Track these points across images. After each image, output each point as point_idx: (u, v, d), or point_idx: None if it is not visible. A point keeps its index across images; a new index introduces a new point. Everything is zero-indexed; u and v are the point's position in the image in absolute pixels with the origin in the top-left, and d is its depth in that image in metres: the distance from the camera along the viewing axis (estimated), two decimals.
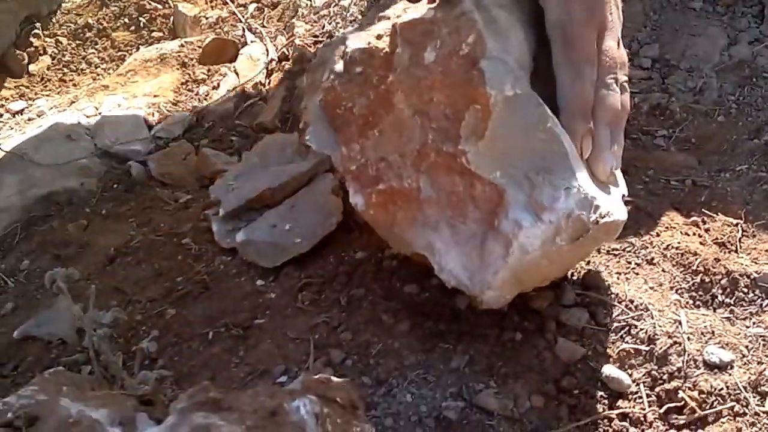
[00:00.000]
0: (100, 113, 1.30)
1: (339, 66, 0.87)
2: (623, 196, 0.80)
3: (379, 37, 0.85)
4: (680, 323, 0.84)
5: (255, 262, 0.99)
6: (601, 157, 0.79)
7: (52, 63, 1.52)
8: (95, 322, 0.91)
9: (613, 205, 0.76)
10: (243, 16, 1.42)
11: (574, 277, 0.90)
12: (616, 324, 0.86)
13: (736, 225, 0.94)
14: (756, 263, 0.90)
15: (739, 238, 0.93)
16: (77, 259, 1.07)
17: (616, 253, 0.92)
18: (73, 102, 1.37)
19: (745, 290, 0.88)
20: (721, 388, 0.79)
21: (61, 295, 0.94)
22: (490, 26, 0.78)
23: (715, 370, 0.81)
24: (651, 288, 0.88)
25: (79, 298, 1.00)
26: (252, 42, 1.35)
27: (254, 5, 1.44)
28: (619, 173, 0.83)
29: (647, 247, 0.92)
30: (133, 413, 0.71)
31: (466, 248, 0.80)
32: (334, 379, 0.78)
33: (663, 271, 0.90)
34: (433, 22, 0.80)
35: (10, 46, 1.52)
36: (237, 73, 1.30)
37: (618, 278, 0.89)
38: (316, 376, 0.75)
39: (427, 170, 0.81)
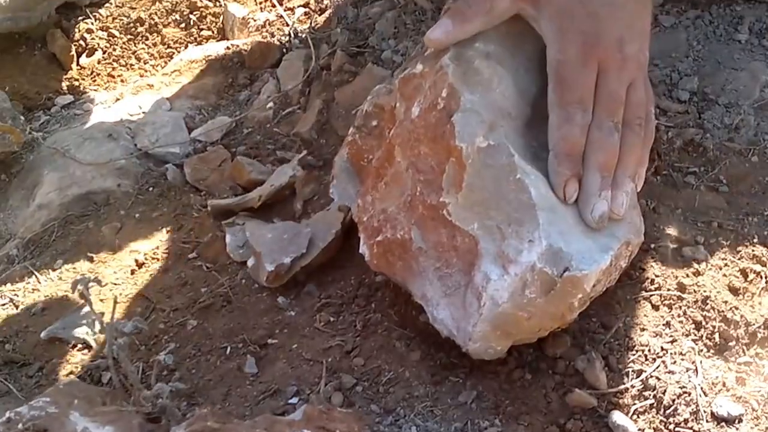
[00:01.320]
0: (143, 112, 1.33)
1: (359, 120, 0.91)
2: (627, 242, 0.79)
3: (390, 91, 0.88)
4: (693, 372, 0.84)
5: (259, 282, 1.01)
6: (588, 203, 0.79)
7: (103, 57, 1.55)
8: (117, 331, 0.94)
9: (587, 257, 0.75)
10: (290, 20, 1.43)
11: (592, 320, 0.89)
12: (628, 369, 0.85)
13: (759, 273, 0.92)
14: None
15: (763, 287, 0.91)
16: (108, 262, 1.11)
17: (634, 294, 0.91)
18: (119, 99, 1.40)
19: (763, 342, 0.87)
20: None
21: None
22: (469, 78, 0.80)
23: (723, 424, 0.81)
24: (667, 333, 0.88)
25: (106, 303, 1.04)
26: (296, 48, 1.36)
27: (302, 9, 1.45)
28: (634, 214, 0.82)
29: (667, 290, 0.91)
30: None
31: (453, 299, 0.82)
32: (338, 409, 0.80)
33: (680, 315, 0.89)
34: (421, 75, 0.85)
35: (40, 24, 1.56)
36: (278, 79, 1.31)
37: (634, 320, 0.89)
38: (320, 406, 0.77)
39: (417, 221, 0.84)
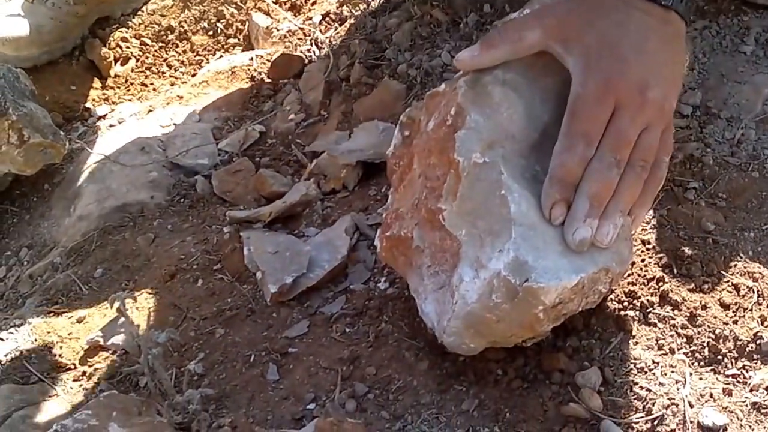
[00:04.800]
0: (174, 124, 1.42)
1: (397, 130, 1.01)
2: (606, 269, 0.86)
3: (422, 106, 0.98)
4: (682, 384, 0.91)
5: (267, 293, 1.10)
6: (571, 226, 0.84)
7: (136, 65, 1.65)
8: (151, 342, 1.04)
9: (550, 273, 0.82)
10: (312, 31, 1.51)
11: (583, 332, 0.96)
12: (621, 380, 0.93)
13: (752, 288, 0.98)
14: (766, 329, 0.95)
15: (754, 302, 0.97)
16: (144, 271, 1.20)
17: (628, 310, 0.98)
18: (151, 111, 1.49)
19: (751, 355, 0.93)
20: None
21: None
22: (479, 101, 0.89)
23: None
24: (659, 347, 0.95)
25: (142, 311, 1.14)
26: (317, 58, 1.43)
27: (323, 18, 1.52)
28: (623, 246, 0.89)
29: (660, 305, 0.98)
30: None
31: (438, 295, 0.91)
32: (348, 420, 0.88)
33: (671, 329, 0.96)
34: (443, 94, 0.94)
35: (76, 47, 1.68)
36: (300, 90, 1.39)
37: (629, 335, 0.96)
38: (330, 419, 0.86)
39: (419, 223, 0.93)
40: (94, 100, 1.60)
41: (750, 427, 0.88)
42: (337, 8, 1.53)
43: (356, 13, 1.48)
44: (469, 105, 0.88)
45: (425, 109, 0.96)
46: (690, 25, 1.21)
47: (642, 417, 0.89)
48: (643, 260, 1.01)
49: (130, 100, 1.59)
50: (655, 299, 0.98)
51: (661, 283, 0.99)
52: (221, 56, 1.63)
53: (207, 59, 1.64)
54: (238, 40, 1.66)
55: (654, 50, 0.87)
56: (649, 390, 0.91)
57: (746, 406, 0.89)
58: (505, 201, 0.84)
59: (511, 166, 0.86)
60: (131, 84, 1.62)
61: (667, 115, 0.89)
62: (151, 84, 1.62)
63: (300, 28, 1.54)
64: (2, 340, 1.16)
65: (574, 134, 0.85)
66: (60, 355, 1.12)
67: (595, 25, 0.87)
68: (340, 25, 1.50)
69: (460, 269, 0.86)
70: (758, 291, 0.99)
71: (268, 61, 1.50)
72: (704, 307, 0.97)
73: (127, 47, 1.66)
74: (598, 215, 0.85)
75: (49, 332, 1.15)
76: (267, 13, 1.62)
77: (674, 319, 0.96)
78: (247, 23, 1.65)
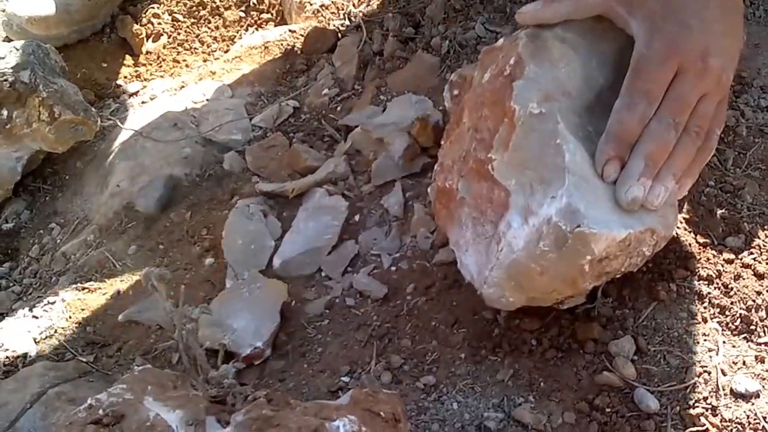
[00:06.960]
0: (206, 100, 1.47)
1: (446, 91, 1.05)
2: (652, 230, 0.89)
3: (476, 66, 1.02)
4: (715, 352, 0.95)
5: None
6: (624, 184, 0.87)
7: (168, 42, 1.70)
8: (185, 317, 1.09)
9: (601, 222, 0.84)
10: (345, 4, 1.55)
11: (622, 305, 1.00)
12: (654, 349, 0.97)
13: None
14: None
15: None
16: (178, 248, 1.25)
17: (660, 280, 1.01)
18: (183, 86, 1.54)
19: None
20: (743, 417, 0.90)
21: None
22: (539, 54, 0.92)
23: (740, 400, 0.91)
24: (691, 316, 0.98)
25: (176, 287, 1.19)
26: (350, 33, 1.47)
27: None
28: (669, 211, 0.92)
29: (693, 274, 1.01)
30: (204, 415, 0.88)
31: (479, 246, 0.94)
32: (383, 391, 0.92)
33: (704, 299, 0.99)
34: (501, 48, 0.98)
35: (106, 25, 1.73)
36: (333, 65, 1.44)
37: (660, 305, 0.99)
38: (365, 389, 0.90)
39: (466, 174, 0.96)
40: (125, 77, 1.66)
41: None
42: None
43: None
44: (529, 57, 0.92)
45: (480, 65, 1.00)
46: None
47: (675, 385, 0.93)
48: (676, 229, 1.05)
49: (162, 76, 1.65)
50: (688, 269, 1.01)
51: (694, 253, 1.02)
52: (254, 31, 1.68)
53: (240, 35, 1.69)
54: (271, 15, 1.71)
55: (713, 19, 0.91)
56: (682, 358, 0.94)
57: None
58: (560, 150, 0.87)
59: (567, 120, 0.90)
60: (163, 60, 1.67)
61: (724, 87, 0.93)
62: (184, 60, 1.67)
63: (333, 2, 1.58)
64: (36, 317, 1.22)
65: (636, 92, 0.89)
66: (94, 332, 1.18)
67: None
68: None
69: (508, 217, 0.89)
70: None
71: (302, 35, 1.55)
72: (738, 277, 1.00)
73: (159, 23, 1.71)
74: (652, 176, 0.88)
75: (83, 309, 1.21)
76: None
77: (707, 288, 1.00)
78: None
